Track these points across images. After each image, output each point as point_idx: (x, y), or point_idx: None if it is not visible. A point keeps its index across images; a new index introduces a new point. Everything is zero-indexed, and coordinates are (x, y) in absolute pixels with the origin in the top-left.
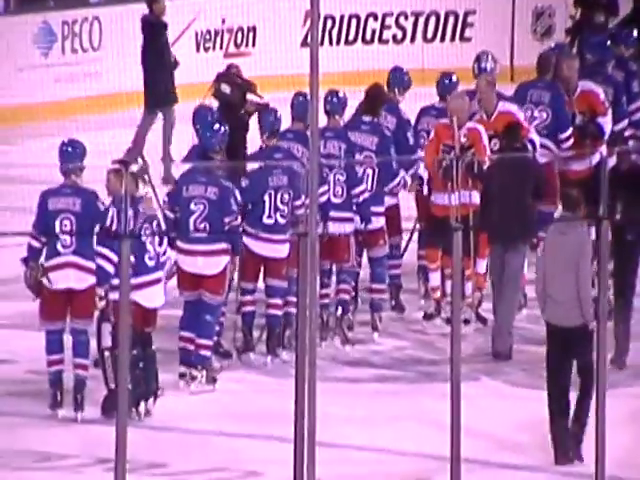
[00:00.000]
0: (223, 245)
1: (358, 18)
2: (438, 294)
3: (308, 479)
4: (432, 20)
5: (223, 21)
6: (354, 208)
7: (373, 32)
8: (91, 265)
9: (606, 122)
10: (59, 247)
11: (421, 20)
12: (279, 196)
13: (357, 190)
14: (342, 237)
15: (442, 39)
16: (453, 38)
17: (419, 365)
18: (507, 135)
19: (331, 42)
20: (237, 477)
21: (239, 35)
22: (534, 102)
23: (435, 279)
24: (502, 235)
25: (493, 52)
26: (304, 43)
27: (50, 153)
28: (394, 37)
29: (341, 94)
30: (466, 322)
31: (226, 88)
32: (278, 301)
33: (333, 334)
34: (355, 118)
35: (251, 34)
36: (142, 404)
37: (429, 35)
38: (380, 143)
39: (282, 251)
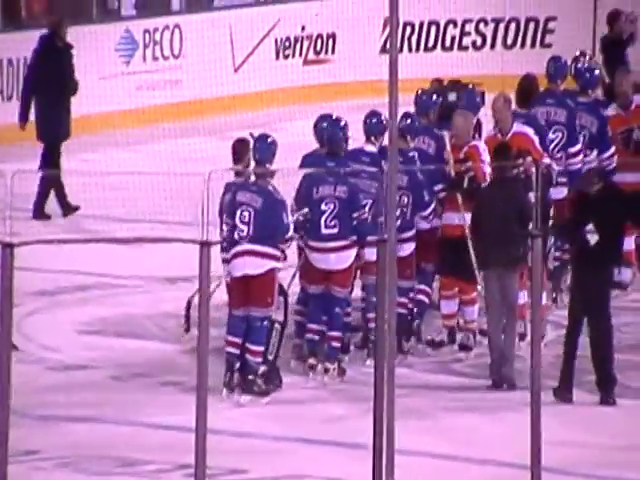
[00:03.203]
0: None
1: (437, 25)
2: (454, 321)
3: None
4: (512, 26)
5: (303, 28)
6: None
7: (453, 39)
8: (267, 250)
9: None
10: (236, 236)
11: (501, 26)
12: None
13: (425, 213)
14: (405, 255)
15: (522, 45)
16: (533, 44)
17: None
18: (496, 156)
19: (410, 49)
20: None
21: (319, 42)
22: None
23: (449, 306)
24: (489, 261)
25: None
26: (383, 50)
27: (131, 160)
28: (474, 43)
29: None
30: (466, 348)
31: (453, 96)
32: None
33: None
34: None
35: (330, 41)
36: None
37: (509, 41)
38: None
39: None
